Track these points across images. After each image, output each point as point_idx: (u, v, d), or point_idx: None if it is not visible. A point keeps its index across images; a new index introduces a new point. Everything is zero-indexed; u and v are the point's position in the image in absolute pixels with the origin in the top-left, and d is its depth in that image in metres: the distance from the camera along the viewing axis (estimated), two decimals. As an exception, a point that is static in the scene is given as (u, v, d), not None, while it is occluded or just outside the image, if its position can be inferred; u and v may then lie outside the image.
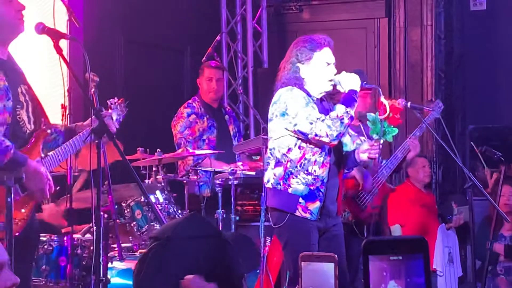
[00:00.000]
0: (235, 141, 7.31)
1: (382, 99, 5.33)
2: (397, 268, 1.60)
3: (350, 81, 5.16)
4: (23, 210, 4.36)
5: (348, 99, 5.11)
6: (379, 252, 1.62)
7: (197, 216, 2.19)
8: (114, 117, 4.85)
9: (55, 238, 5.40)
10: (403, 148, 6.43)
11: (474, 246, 6.19)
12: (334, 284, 1.71)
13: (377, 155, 5.31)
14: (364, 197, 6.19)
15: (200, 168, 6.65)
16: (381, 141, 5.26)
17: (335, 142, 5.11)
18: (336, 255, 1.79)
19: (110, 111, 4.85)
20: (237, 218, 6.48)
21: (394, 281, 1.60)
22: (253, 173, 6.85)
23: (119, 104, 4.95)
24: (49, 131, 4.54)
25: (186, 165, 6.92)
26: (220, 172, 6.66)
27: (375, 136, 5.22)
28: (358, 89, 5.17)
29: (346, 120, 5.03)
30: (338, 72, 5.24)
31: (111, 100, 4.92)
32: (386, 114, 5.24)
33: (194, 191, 6.74)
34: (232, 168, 6.41)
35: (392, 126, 5.30)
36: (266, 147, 5.70)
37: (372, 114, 5.29)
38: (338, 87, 5.22)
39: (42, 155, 4.44)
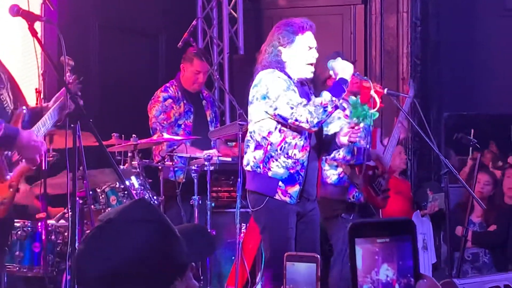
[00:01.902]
0: (211, 127, 7.26)
1: (372, 92, 5.31)
2: (389, 251, 1.58)
3: (343, 69, 5.15)
4: (11, 190, 4.34)
5: (337, 88, 5.09)
6: (366, 235, 1.59)
7: (143, 201, 2.15)
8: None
9: (29, 224, 5.34)
10: (397, 128, 6.43)
11: (450, 233, 6.22)
12: (315, 284, 1.70)
13: (358, 138, 5.33)
14: (380, 181, 6.18)
15: (175, 154, 6.61)
16: (362, 125, 5.27)
17: (315, 129, 5.10)
18: (318, 256, 1.77)
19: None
20: (213, 204, 6.45)
21: (387, 265, 1.58)
22: (229, 159, 6.83)
23: (73, 82, 4.86)
24: (24, 111, 4.50)
25: (161, 151, 6.86)
26: (196, 158, 6.62)
27: (355, 120, 5.22)
28: (348, 78, 5.15)
29: (329, 109, 5.01)
30: (318, 59, 5.23)
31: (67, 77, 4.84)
32: (376, 108, 5.23)
33: (169, 177, 6.69)
34: (208, 154, 6.37)
35: (373, 110, 5.30)
36: (242, 133, 5.68)
37: (353, 98, 5.30)
38: (330, 73, 5.22)
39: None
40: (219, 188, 7.18)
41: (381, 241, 1.58)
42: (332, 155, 5.77)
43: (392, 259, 1.58)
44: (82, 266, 2.01)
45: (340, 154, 5.93)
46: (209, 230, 5.49)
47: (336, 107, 5.07)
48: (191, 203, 6.36)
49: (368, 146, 6.07)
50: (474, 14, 9.78)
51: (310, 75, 5.24)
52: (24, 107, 4.52)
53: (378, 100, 5.23)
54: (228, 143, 7.57)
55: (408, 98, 6.65)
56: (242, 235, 6.28)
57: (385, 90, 5.81)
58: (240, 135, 6.05)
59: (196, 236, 2.18)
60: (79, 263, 2.02)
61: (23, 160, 4.35)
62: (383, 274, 1.57)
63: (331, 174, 6.07)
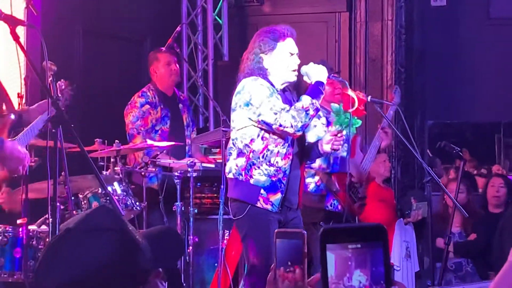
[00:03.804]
0: (187, 131, 7.22)
1: (350, 92, 5.33)
2: (362, 257, 1.56)
3: (317, 73, 5.15)
4: None
5: (315, 90, 5.10)
6: (337, 241, 1.58)
7: (104, 209, 2.12)
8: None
9: (10, 229, 5.31)
10: (378, 136, 6.44)
11: (432, 240, 6.22)
12: (302, 260, 1.69)
13: (340, 146, 5.34)
14: (357, 189, 6.18)
15: (159, 160, 6.57)
16: (344, 132, 5.27)
17: (299, 133, 5.10)
18: (305, 232, 1.77)
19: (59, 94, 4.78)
20: (196, 210, 6.43)
21: (360, 271, 1.56)
22: (212, 165, 6.81)
23: (66, 88, 4.87)
24: (12, 116, 4.48)
25: (143, 157, 6.81)
26: (170, 168, 6.61)
27: (338, 127, 5.22)
28: (325, 81, 5.17)
29: (311, 112, 5.02)
30: (302, 64, 5.23)
31: (59, 82, 4.84)
32: (354, 108, 5.24)
33: (140, 183, 6.59)
34: (191, 160, 6.36)
35: (355, 118, 5.31)
36: (226, 140, 5.67)
37: (336, 105, 5.29)
38: (305, 78, 5.21)
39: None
40: (202, 195, 7.16)
41: (352, 247, 1.56)
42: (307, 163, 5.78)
43: (365, 265, 1.56)
44: (41, 276, 1.98)
45: (316, 162, 5.95)
46: (178, 232, 5.47)
47: (317, 110, 5.08)
48: (173, 209, 6.34)
49: (346, 154, 6.08)
50: (458, 22, 9.81)
51: (294, 78, 5.24)
52: (12, 115, 4.50)
53: (356, 98, 5.25)
54: (212, 149, 7.55)
55: (393, 105, 6.67)
56: (225, 241, 6.27)
57: (369, 98, 5.82)
58: (223, 142, 6.05)
59: (164, 240, 2.15)
60: (38, 272, 2.00)
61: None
62: (355, 280, 1.56)
63: (309, 182, 6.07)
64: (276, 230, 1.75)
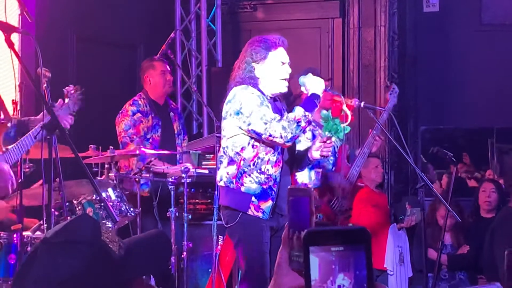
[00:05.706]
0: (178, 140, 7.23)
1: (344, 107, 5.33)
2: (345, 260, 1.58)
3: (315, 85, 5.17)
4: None
5: (309, 103, 5.11)
6: (320, 243, 1.59)
7: (83, 219, 2.11)
8: (71, 108, 4.80)
9: (4, 235, 5.31)
10: (368, 143, 6.46)
11: (425, 244, 6.23)
12: (309, 218, 1.70)
13: (329, 153, 5.34)
14: (339, 202, 6.19)
15: (153, 165, 6.59)
16: (333, 139, 5.28)
17: (289, 144, 5.11)
18: (312, 189, 1.79)
19: (66, 100, 4.78)
20: (190, 216, 6.44)
21: (343, 274, 1.58)
22: (206, 171, 6.82)
23: (75, 93, 4.88)
24: (9, 124, 4.49)
25: (137, 163, 6.83)
26: (164, 174, 6.62)
27: (327, 134, 5.23)
28: (320, 94, 5.18)
29: (303, 124, 5.02)
30: (294, 72, 5.25)
31: (67, 87, 4.85)
32: (347, 122, 5.24)
33: (133, 189, 6.61)
34: (185, 166, 6.37)
35: (344, 124, 5.32)
36: (220, 146, 5.69)
37: (325, 112, 5.30)
38: (302, 88, 5.23)
39: (4, 149, 4.38)
40: (196, 200, 7.17)
41: (335, 250, 1.58)
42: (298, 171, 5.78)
43: (348, 268, 1.57)
44: (18, 286, 1.98)
45: (299, 179, 5.96)
46: (167, 237, 5.47)
47: (309, 122, 5.09)
48: (167, 215, 6.35)
49: (331, 167, 6.08)
50: (451, 28, 9.85)
51: (285, 89, 5.26)
52: (9, 122, 4.51)
53: (349, 114, 5.26)
54: (206, 155, 7.56)
55: (386, 111, 6.67)
56: (219, 247, 6.28)
57: (362, 104, 5.83)
58: (217, 147, 6.06)
59: (149, 247, 2.15)
60: (15, 283, 2.00)
61: None
62: (339, 283, 1.57)
63: None
64: (288, 187, 1.78)
